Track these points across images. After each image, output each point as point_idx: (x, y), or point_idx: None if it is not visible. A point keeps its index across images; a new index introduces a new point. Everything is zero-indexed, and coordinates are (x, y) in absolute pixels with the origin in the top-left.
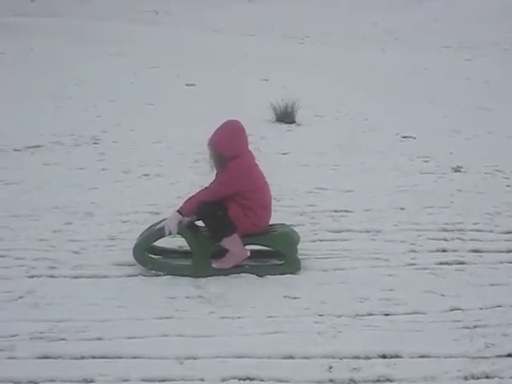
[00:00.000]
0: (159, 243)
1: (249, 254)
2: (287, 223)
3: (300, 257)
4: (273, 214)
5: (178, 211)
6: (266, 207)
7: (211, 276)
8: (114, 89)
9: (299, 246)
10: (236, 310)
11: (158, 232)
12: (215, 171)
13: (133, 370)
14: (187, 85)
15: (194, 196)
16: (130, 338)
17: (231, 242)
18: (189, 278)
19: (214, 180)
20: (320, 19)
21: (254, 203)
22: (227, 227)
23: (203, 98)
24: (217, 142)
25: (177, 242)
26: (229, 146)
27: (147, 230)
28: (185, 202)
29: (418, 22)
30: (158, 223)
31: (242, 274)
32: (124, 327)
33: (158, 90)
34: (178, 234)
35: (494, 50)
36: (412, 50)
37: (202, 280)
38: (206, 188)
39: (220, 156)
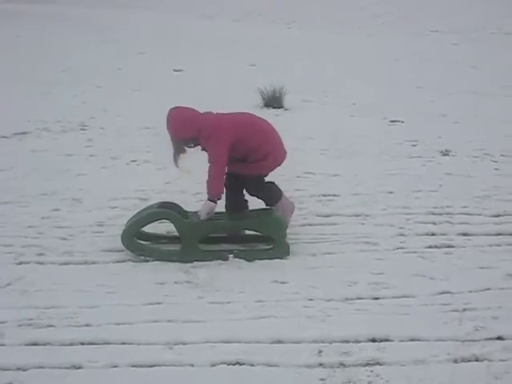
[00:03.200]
0: (148, 229)
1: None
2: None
3: (289, 241)
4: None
5: (210, 200)
6: (270, 140)
7: (200, 261)
8: (101, 75)
9: (288, 231)
10: (225, 295)
11: (146, 217)
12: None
13: (121, 355)
14: (175, 70)
15: (210, 178)
16: (118, 323)
17: (283, 204)
18: (177, 264)
19: (209, 155)
20: (307, 4)
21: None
22: (276, 193)
23: (191, 84)
24: (176, 132)
25: (165, 228)
26: (188, 127)
27: (135, 215)
28: (209, 189)
29: (405, 6)
30: (146, 209)
31: (231, 259)
32: (113, 313)
33: (146, 75)
34: (167, 219)
35: (481, 35)
36: (400, 34)
37: (191, 265)
38: (209, 166)
39: (189, 140)
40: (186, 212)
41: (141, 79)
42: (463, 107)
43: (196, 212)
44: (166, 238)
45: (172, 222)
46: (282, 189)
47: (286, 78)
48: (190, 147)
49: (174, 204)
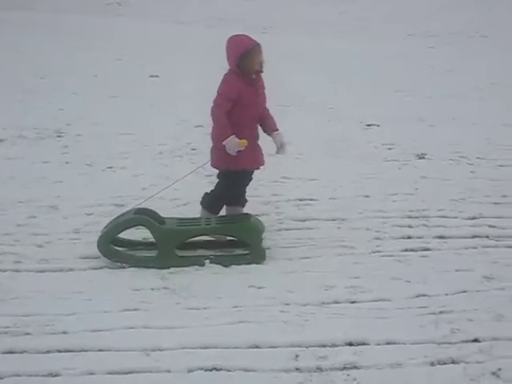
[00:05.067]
0: (124, 235)
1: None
2: (252, 213)
3: (265, 246)
4: None
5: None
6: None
7: (176, 267)
8: (77, 81)
9: (264, 236)
10: (201, 300)
11: (123, 223)
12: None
13: (98, 363)
14: (151, 76)
15: (215, 122)
16: (95, 330)
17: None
18: (154, 270)
19: None
20: (284, 9)
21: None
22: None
23: (166, 89)
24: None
25: (142, 234)
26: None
27: (112, 221)
28: (224, 130)
29: (382, 10)
30: (122, 215)
31: (207, 265)
32: (90, 320)
33: (122, 81)
34: (142, 225)
35: (458, 38)
36: (377, 38)
37: (168, 271)
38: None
39: None
40: (163, 218)
41: (117, 85)
42: (439, 110)
43: (170, 217)
44: (143, 244)
45: (148, 228)
46: (257, 193)
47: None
48: None
49: (151, 210)
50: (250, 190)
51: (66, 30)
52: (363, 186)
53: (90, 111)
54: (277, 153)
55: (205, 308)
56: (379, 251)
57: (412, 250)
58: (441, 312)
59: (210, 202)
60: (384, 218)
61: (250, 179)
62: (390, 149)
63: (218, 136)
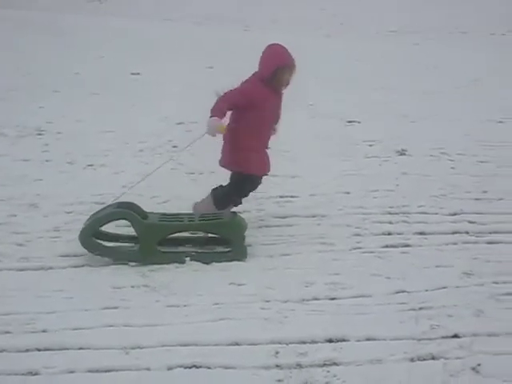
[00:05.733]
0: (106, 228)
1: None
2: (234, 210)
3: (246, 243)
4: None
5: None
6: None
7: (157, 264)
8: (58, 79)
9: (246, 233)
10: (182, 298)
11: (105, 217)
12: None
13: (78, 361)
14: (132, 74)
15: (216, 104)
16: (75, 329)
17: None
18: (135, 268)
19: None
20: (266, 6)
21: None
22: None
23: (148, 87)
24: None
25: (127, 228)
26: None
27: (94, 214)
28: (214, 110)
29: (365, 7)
30: (104, 208)
31: (188, 262)
32: (70, 318)
33: (103, 79)
34: (125, 219)
35: (440, 34)
36: (359, 35)
37: (148, 269)
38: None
39: None
40: (146, 213)
41: (98, 83)
42: (420, 107)
43: (152, 212)
44: (126, 238)
45: (130, 222)
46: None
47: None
48: None
49: (134, 204)
50: None
51: (47, 28)
52: (344, 183)
53: (71, 109)
54: None
55: (185, 305)
56: (359, 248)
57: (392, 247)
58: (421, 308)
59: (220, 197)
60: (364, 215)
61: (256, 185)
62: (370, 145)
63: (218, 108)
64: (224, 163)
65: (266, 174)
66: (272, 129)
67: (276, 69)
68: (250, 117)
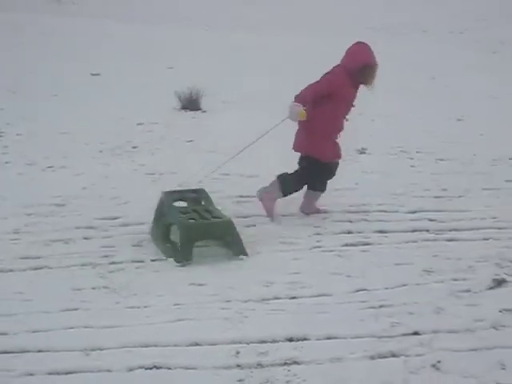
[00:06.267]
0: None
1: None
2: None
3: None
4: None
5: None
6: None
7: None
8: (17, 80)
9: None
10: (142, 299)
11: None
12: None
13: (38, 363)
14: (92, 74)
15: (301, 92)
16: (35, 331)
17: None
18: (95, 269)
19: None
20: (226, 5)
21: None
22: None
23: (108, 87)
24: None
25: None
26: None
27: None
28: (298, 98)
29: (332, 4)
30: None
31: (148, 262)
32: (30, 321)
33: (63, 80)
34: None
35: (413, 31)
36: (334, 32)
37: (108, 270)
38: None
39: None
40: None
41: (58, 84)
42: (381, 105)
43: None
44: None
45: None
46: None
47: (204, 80)
48: None
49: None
50: (190, 187)
51: (5, 28)
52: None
53: (31, 110)
54: None
55: (145, 306)
56: (319, 247)
57: (352, 245)
58: (381, 306)
59: (288, 181)
60: (324, 214)
61: (332, 172)
62: None
63: (303, 96)
64: (297, 148)
65: (337, 162)
66: (345, 119)
67: (365, 65)
68: (328, 106)
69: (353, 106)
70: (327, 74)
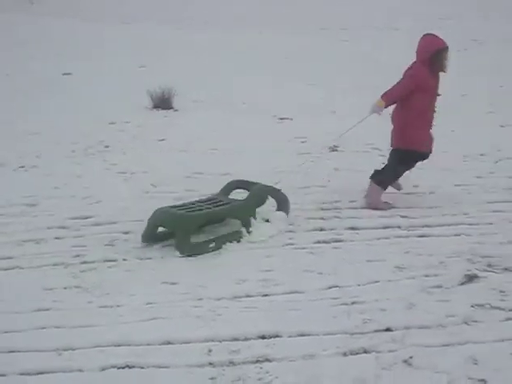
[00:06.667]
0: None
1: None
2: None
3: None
4: (151, 200)
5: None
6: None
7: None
8: None
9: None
10: (114, 298)
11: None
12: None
13: (10, 364)
14: (64, 74)
15: (388, 90)
16: (7, 331)
17: None
18: (67, 268)
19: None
20: (197, 4)
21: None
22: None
23: (80, 87)
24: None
25: None
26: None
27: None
28: (385, 95)
29: (295, 4)
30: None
31: (120, 261)
32: (1, 321)
33: (35, 80)
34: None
35: (368, 31)
36: (291, 32)
37: (80, 269)
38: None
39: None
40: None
41: (29, 84)
42: (351, 103)
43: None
44: None
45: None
46: (171, 189)
47: (177, 79)
48: None
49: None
50: (163, 186)
51: None
52: (276, 180)
53: (2, 110)
54: None
55: (118, 306)
56: (292, 244)
57: (324, 242)
58: (353, 302)
59: (383, 178)
60: (296, 211)
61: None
62: (302, 142)
63: (391, 94)
64: (396, 145)
65: (431, 151)
66: (434, 108)
67: (436, 51)
68: (415, 99)
69: (438, 94)
70: (407, 70)
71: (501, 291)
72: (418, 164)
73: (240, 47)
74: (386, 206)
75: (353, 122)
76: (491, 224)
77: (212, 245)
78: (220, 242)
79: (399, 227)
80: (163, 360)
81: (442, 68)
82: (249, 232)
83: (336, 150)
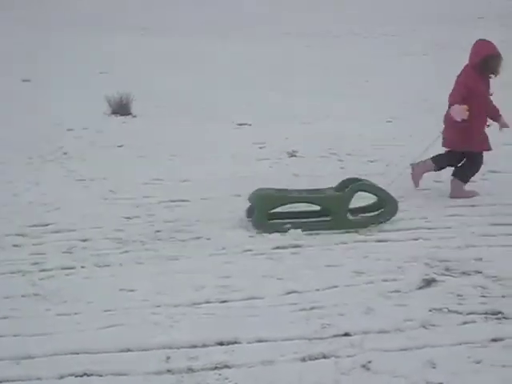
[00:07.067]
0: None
1: None
2: (123, 215)
3: (136, 249)
4: (109, 207)
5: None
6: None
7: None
8: None
9: (138, 239)
10: (72, 306)
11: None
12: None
13: None
14: (23, 80)
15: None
16: None
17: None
18: (25, 276)
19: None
20: (160, 11)
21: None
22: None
23: (38, 94)
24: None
25: None
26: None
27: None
28: (451, 102)
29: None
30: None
31: (78, 268)
32: None
33: None
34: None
35: (327, 38)
36: (253, 38)
37: (38, 277)
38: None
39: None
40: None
41: None
42: (311, 108)
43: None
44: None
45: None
46: (129, 196)
47: (136, 85)
48: None
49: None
50: (121, 193)
51: None
52: (235, 186)
53: None
54: (501, 127)
55: (75, 313)
56: (251, 250)
57: (283, 248)
58: (312, 308)
59: (463, 175)
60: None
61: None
62: (261, 147)
63: (451, 101)
64: (449, 145)
65: (490, 150)
66: (487, 111)
67: (487, 57)
68: (470, 103)
69: (490, 94)
70: (458, 77)
71: (458, 295)
72: (380, 169)
73: (200, 53)
74: (473, 194)
75: (313, 127)
76: (449, 228)
77: (288, 225)
78: (306, 227)
79: (357, 232)
80: (122, 367)
81: (493, 72)
82: (337, 223)
83: (295, 156)
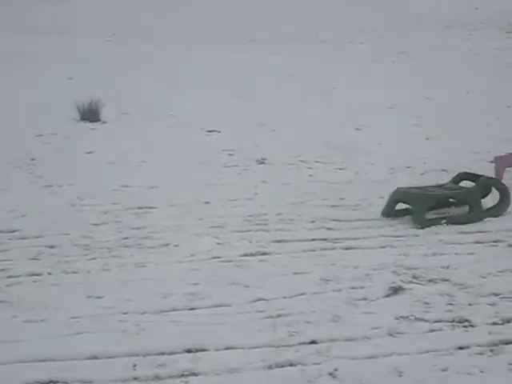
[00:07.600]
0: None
1: None
2: (91, 222)
3: (104, 256)
4: (76, 213)
5: None
6: None
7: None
8: None
9: (104, 245)
10: (39, 312)
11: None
12: None
13: None
14: None
15: None
16: None
17: None
18: None
19: None
20: (128, 17)
21: None
22: None
23: (6, 99)
24: None
25: None
26: None
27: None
28: None
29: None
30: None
31: (45, 275)
32: None
33: None
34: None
35: (298, 44)
36: (219, 45)
37: (5, 284)
38: None
39: None
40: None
41: None
42: (280, 115)
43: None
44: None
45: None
46: (97, 202)
47: (105, 91)
48: None
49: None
50: (89, 200)
51: None
52: (204, 192)
53: None
54: None
55: (42, 320)
56: (218, 257)
57: (251, 255)
58: (279, 315)
59: None
60: (223, 224)
61: None
62: (230, 154)
63: None
64: None
65: None
66: None
67: None
68: None
69: None
70: None
71: (425, 303)
72: (349, 177)
73: (171, 61)
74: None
75: (281, 134)
76: (417, 236)
77: (444, 221)
78: (451, 220)
79: (325, 239)
80: (88, 375)
81: None
82: (476, 216)
83: (263, 163)
